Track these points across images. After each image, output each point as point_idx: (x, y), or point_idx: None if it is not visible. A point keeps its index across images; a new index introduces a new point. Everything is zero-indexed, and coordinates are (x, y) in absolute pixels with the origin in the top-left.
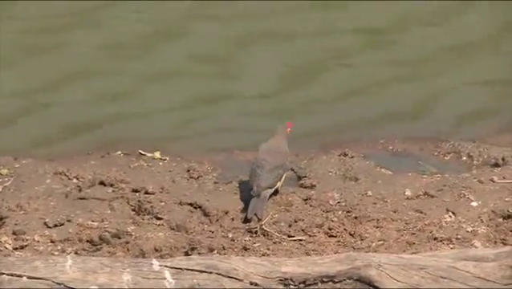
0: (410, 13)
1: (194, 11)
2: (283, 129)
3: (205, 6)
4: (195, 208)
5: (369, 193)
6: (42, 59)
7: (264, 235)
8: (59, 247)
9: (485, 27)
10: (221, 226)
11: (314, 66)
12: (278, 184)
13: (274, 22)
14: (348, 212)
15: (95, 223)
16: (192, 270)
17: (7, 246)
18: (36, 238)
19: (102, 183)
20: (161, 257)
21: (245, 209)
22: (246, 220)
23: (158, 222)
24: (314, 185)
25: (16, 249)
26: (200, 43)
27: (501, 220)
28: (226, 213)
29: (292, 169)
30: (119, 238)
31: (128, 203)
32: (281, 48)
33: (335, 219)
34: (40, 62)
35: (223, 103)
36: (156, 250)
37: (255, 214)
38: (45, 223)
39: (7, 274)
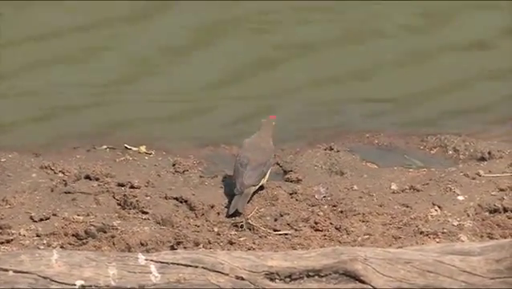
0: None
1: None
2: (268, 123)
3: None
4: (181, 202)
5: (355, 187)
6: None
7: (250, 229)
8: (45, 241)
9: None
10: (206, 220)
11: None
12: (263, 181)
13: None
14: (334, 206)
15: (81, 217)
16: (177, 264)
17: None
18: (22, 232)
19: (87, 177)
20: (147, 251)
21: (230, 204)
22: (229, 215)
23: (144, 216)
24: (300, 180)
25: (2, 243)
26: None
27: (487, 214)
28: (212, 207)
29: (278, 163)
30: (105, 232)
31: (114, 197)
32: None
33: (321, 213)
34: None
35: (208, 97)
36: (142, 245)
37: (236, 209)
38: (31, 217)
39: None
